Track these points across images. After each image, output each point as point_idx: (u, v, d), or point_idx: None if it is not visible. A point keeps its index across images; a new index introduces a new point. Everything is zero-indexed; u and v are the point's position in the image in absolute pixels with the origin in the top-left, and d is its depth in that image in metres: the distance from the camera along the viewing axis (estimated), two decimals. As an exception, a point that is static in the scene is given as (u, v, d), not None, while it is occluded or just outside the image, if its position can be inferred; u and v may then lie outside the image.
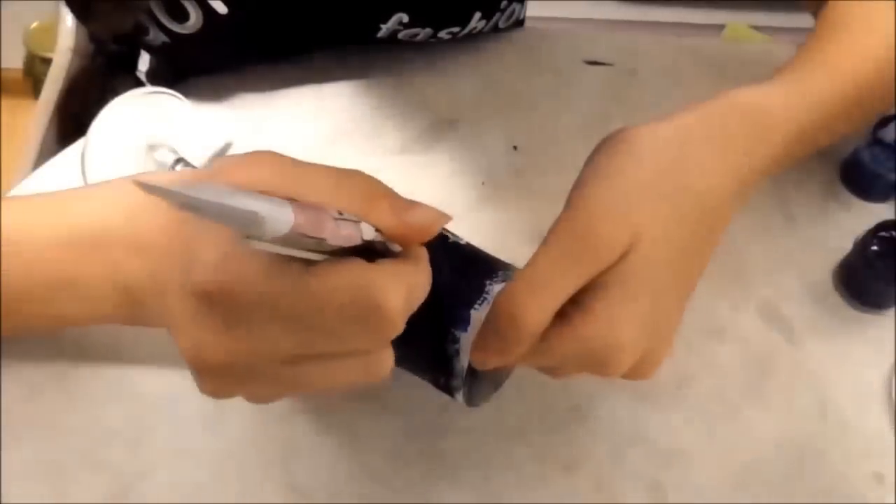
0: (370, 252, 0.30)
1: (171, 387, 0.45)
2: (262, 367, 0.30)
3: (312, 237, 0.25)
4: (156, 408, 0.45)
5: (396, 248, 0.32)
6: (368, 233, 0.29)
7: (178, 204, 0.22)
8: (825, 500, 0.44)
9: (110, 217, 0.36)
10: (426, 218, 0.31)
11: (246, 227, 0.23)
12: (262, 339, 0.29)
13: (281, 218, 0.23)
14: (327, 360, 0.30)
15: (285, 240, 0.25)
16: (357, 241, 0.28)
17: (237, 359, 0.30)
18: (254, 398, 0.33)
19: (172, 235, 0.33)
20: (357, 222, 0.29)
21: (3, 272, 0.36)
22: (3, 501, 0.42)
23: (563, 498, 0.44)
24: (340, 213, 0.28)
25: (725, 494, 0.44)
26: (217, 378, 0.31)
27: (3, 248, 0.36)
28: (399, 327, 0.30)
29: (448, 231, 0.40)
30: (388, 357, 0.31)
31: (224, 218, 0.22)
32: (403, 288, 0.29)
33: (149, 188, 0.21)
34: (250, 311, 0.28)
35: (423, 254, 0.32)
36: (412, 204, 0.31)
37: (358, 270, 0.28)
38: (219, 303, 0.28)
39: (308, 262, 0.28)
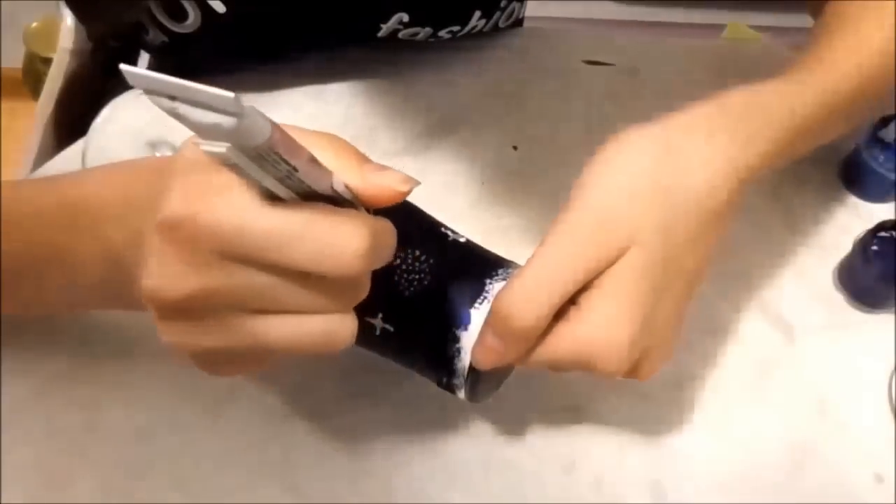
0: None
1: (172, 387, 0.45)
2: (224, 312, 0.30)
3: (285, 161, 0.25)
4: (156, 408, 0.45)
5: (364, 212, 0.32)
6: (339, 185, 0.29)
7: (157, 92, 0.22)
8: (825, 500, 0.44)
9: (99, 191, 0.36)
10: (392, 180, 0.31)
11: (225, 124, 0.22)
12: (222, 277, 0.29)
13: (260, 122, 0.23)
14: (288, 315, 0.30)
15: (258, 156, 0.24)
16: (325, 188, 0.28)
17: (197, 297, 0.29)
18: (215, 359, 0.32)
19: (145, 190, 0.33)
20: (329, 172, 0.29)
21: (5, 243, 0.37)
22: (3, 501, 0.42)
23: (563, 498, 0.44)
24: (314, 159, 0.27)
25: (725, 494, 0.44)
26: (176, 322, 0.30)
27: (4, 220, 0.37)
28: (360, 276, 0.29)
29: (448, 229, 0.40)
30: (349, 322, 0.31)
31: (204, 106, 0.22)
32: (367, 232, 0.28)
33: (129, 73, 0.22)
34: (212, 243, 0.28)
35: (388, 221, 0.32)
36: (382, 167, 0.31)
37: (323, 208, 0.28)
38: (181, 233, 0.28)
39: (275, 199, 0.28)
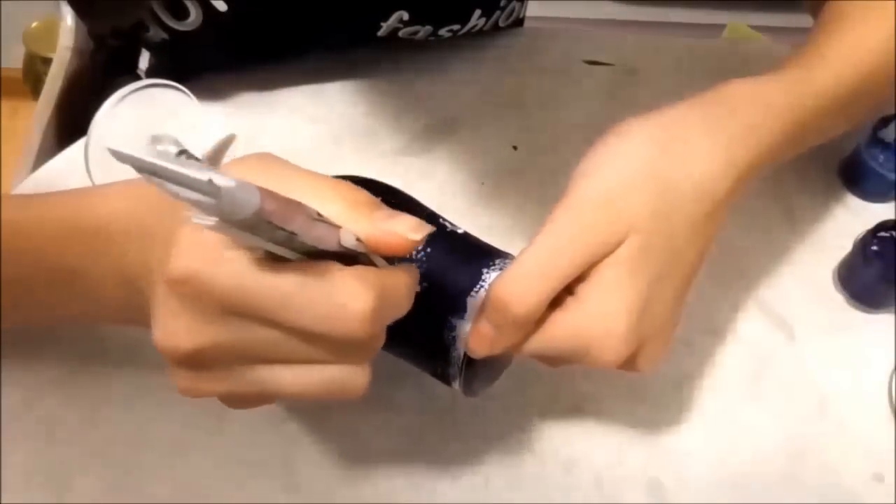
0: (353, 263, 0.30)
1: (171, 387, 0.45)
2: (232, 363, 0.30)
3: (281, 227, 0.25)
4: (156, 408, 0.45)
5: (381, 262, 0.31)
6: (348, 240, 0.29)
7: (138, 169, 0.22)
8: (825, 500, 0.44)
9: (114, 211, 0.36)
10: (404, 227, 0.30)
11: (205, 202, 0.22)
12: (228, 332, 0.29)
13: (245, 196, 0.23)
14: (300, 365, 0.30)
15: (252, 226, 0.24)
16: (333, 245, 0.28)
17: (205, 351, 0.29)
18: (228, 400, 0.32)
19: (165, 225, 0.33)
20: (337, 228, 0.28)
21: (5, 263, 0.36)
22: (3, 501, 0.42)
23: (563, 498, 0.44)
24: (320, 216, 0.27)
25: (725, 494, 0.44)
26: (188, 371, 0.31)
27: (4, 240, 0.36)
28: (370, 334, 0.29)
29: (446, 220, 0.40)
30: (362, 374, 0.31)
31: (183, 186, 0.22)
32: (372, 290, 0.28)
33: (116, 153, 0.22)
34: (215, 300, 0.28)
35: (409, 268, 0.32)
36: (394, 214, 0.30)
37: (326, 269, 0.28)
38: (187, 290, 0.28)
39: (283, 261, 0.28)
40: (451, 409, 0.46)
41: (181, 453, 0.44)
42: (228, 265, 0.28)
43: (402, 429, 0.45)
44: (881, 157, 0.55)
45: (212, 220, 0.24)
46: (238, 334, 0.29)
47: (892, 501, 0.44)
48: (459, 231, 0.39)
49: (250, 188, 0.23)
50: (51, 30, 0.68)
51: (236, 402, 0.33)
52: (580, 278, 0.35)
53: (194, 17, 0.54)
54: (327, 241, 0.28)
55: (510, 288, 0.34)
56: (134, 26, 0.57)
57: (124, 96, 0.52)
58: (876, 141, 0.55)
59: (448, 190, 0.56)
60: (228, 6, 0.54)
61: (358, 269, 0.29)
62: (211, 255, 0.28)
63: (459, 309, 0.36)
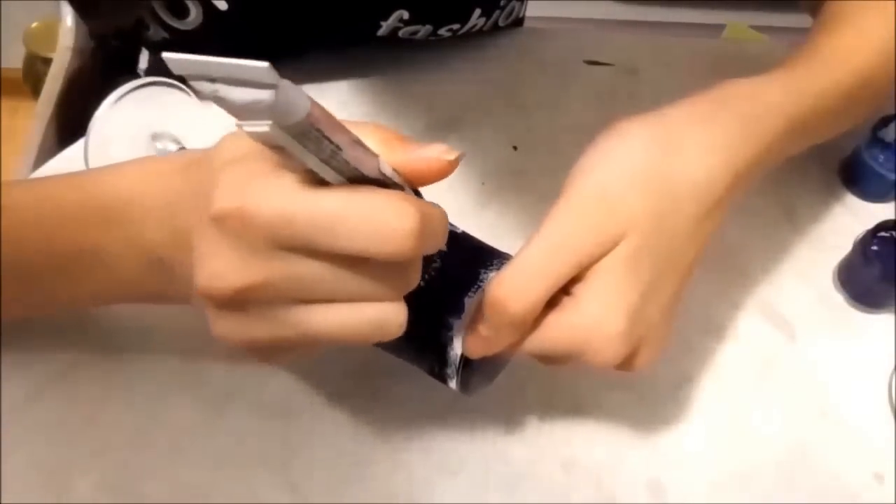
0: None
1: (172, 386, 0.45)
2: (275, 303, 0.30)
3: (328, 138, 0.25)
4: (156, 407, 0.45)
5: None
6: (385, 167, 0.29)
7: (192, 77, 0.22)
8: (825, 500, 0.44)
9: (129, 188, 0.36)
10: (438, 151, 0.30)
11: (262, 100, 0.22)
12: (274, 266, 0.29)
13: (299, 96, 0.23)
14: (340, 304, 0.30)
15: (301, 134, 0.24)
16: (372, 170, 0.28)
17: (254, 288, 0.29)
18: (265, 348, 0.32)
19: (186, 187, 0.33)
20: (376, 156, 0.28)
21: (23, 244, 0.36)
22: (3, 501, 0.42)
23: (563, 497, 0.44)
24: (359, 141, 0.27)
25: (725, 494, 0.44)
26: (229, 314, 0.30)
27: (21, 220, 0.37)
28: (416, 253, 0.29)
29: None
30: (400, 311, 0.31)
31: (239, 84, 0.22)
32: (417, 213, 0.28)
33: (170, 60, 0.22)
34: (261, 231, 0.28)
35: (439, 206, 0.32)
36: (424, 144, 0.31)
37: (371, 190, 0.28)
38: (231, 224, 0.28)
39: (322, 183, 0.28)
40: (450, 408, 0.46)
41: (181, 453, 0.44)
42: (273, 193, 0.28)
43: (402, 428, 0.45)
44: (881, 157, 0.55)
45: (264, 125, 0.23)
46: (284, 269, 0.29)
47: (892, 501, 0.44)
48: (458, 231, 0.39)
49: (301, 91, 0.23)
50: (51, 30, 0.68)
51: (275, 352, 0.32)
52: (577, 278, 0.35)
53: (194, 15, 0.54)
54: (367, 166, 0.28)
55: (506, 288, 0.33)
56: (134, 25, 0.57)
57: (124, 94, 0.52)
58: (876, 141, 0.55)
59: (448, 190, 0.56)
60: (229, 5, 0.54)
61: (400, 192, 0.29)
62: (254, 187, 0.28)
63: (457, 309, 0.36)
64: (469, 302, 0.36)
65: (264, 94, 0.22)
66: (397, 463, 0.44)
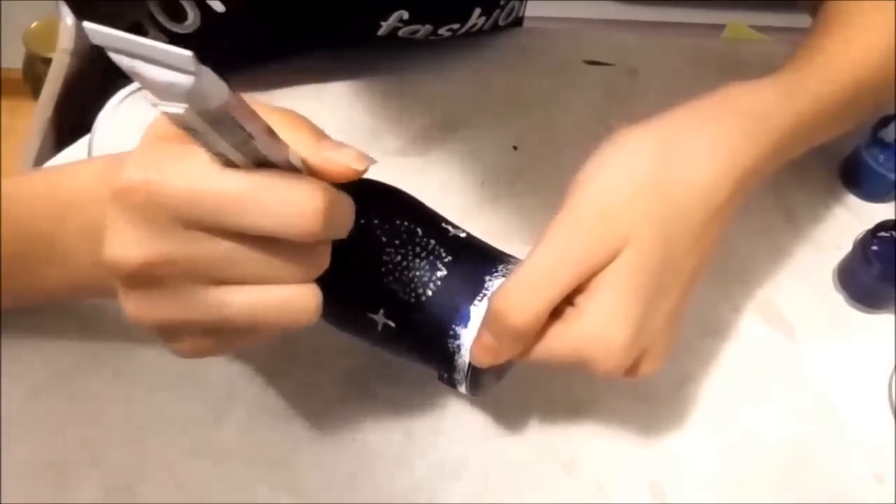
0: None
1: (172, 387, 0.45)
2: (184, 282, 0.30)
3: (241, 126, 0.25)
4: (156, 408, 0.45)
5: None
6: (295, 158, 0.29)
7: (116, 50, 0.22)
8: (825, 500, 0.44)
9: (86, 179, 0.37)
10: (347, 157, 0.30)
11: (181, 84, 0.22)
12: (179, 244, 0.29)
13: (217, 84, 0.23)
14: (250, 288, 0.30)
15: (214, 120, 0.24)
16: (282, 159, 0.28)
17: (157, 265, 0.29)
18: (174, 330, 0.32)
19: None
20: (286, 146, 0.29)
21: None
22: (3, 501, 0.42)
23: (563, 498, 0.44)
24: (272, 131, 0.28)
25: (725, 494, 0.44)
26: (138, 292, 0.30)
27: None
28: (323, 232, 0.29)
29: (449, 223, 0.40)
30: (311, 294, 0.31)
31: (161, 64, 0.22)
32: (325, 195, 0.28)
33: (91, 31, 0.22)
34: (167, 208, 0.28)
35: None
36: (339, 144, 0.31)
37: (279, 173, 0.28)
38: (136, 199, 0.28)
39: (232, 166, 0.28)
40: (450, 408, 0.46)
41: (181, 453, 0.44)
42: (181, 169, 0.28)
43: (402, 429, 0.45)
44: (881, 157, 0.55)
45: (180, 108, 0.23)
46: (191, 247, 0.29)
47: (892, 501, 0.44)
48: (462, 235, 0.39)
49: (220, 80, 0.23)
50: (51, 30, 0.68)
51: (186, 338, 0.32)
52: (580, 288, 0.35)
53: (192, 19, 0.54)
54: (277, 155, 0.28)
55: (508, 301, 0.34)
56: (132, 29, 0.57)
57: (127, 95, 0.52)
58: (876, 141, 0.55)
59: (448, 190, 0.56)
60: (226, 8, 0.54)
61: (308, 176, 0.29)
62: (162, 163, 0.28)
63: (463, 318, 0.36)
64: (475, 311, 0.36)
65: (183, 79, 0.22)
66: (397, 463, 0.44)
